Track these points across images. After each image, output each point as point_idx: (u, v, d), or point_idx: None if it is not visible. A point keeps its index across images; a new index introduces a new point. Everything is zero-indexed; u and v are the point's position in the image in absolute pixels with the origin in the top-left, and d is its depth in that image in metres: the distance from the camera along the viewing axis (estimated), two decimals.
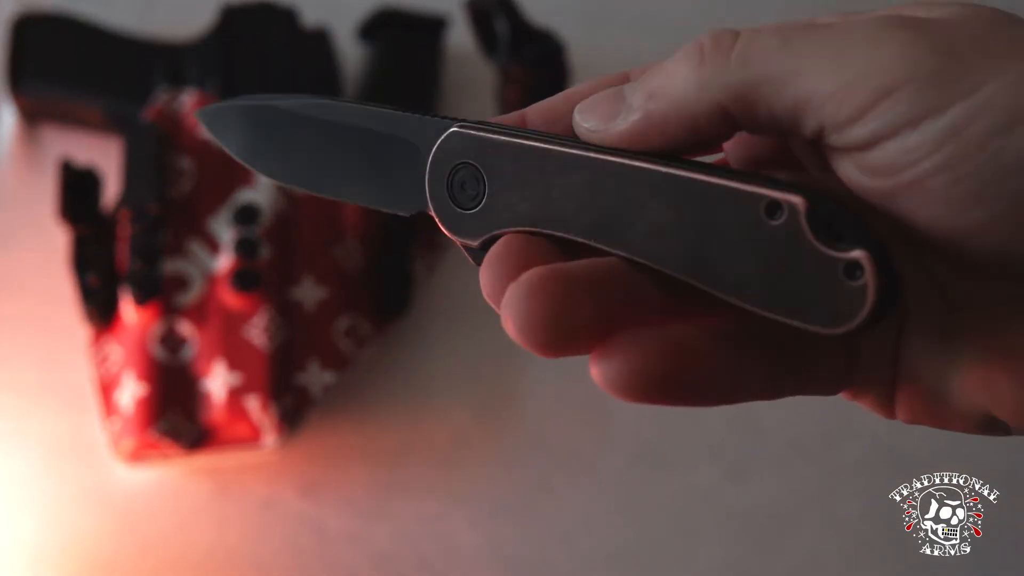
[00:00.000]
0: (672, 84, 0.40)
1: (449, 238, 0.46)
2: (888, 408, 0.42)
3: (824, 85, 0.37)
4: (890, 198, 0.38)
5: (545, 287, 0.38)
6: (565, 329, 0.39)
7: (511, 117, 0.45)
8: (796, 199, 0.37)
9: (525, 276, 0.39)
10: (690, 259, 0.39)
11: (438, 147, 0.45)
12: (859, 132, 0.37)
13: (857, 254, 0.37)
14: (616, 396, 0.38)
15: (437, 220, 0.46)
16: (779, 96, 0.38)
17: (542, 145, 0.42)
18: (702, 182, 0.39)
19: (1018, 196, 0.36)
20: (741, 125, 0.39)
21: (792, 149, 0.44)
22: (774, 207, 0.38)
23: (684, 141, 0.40)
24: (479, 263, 0.43)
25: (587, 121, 0.42)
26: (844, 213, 0.38)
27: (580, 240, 0.42)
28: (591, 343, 0.39)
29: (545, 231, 0.42)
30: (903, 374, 0.41)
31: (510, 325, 0.38)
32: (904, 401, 0.42)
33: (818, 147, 0.40)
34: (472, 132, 0.44)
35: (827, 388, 0.42)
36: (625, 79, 0.44)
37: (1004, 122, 0.35)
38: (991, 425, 0.40)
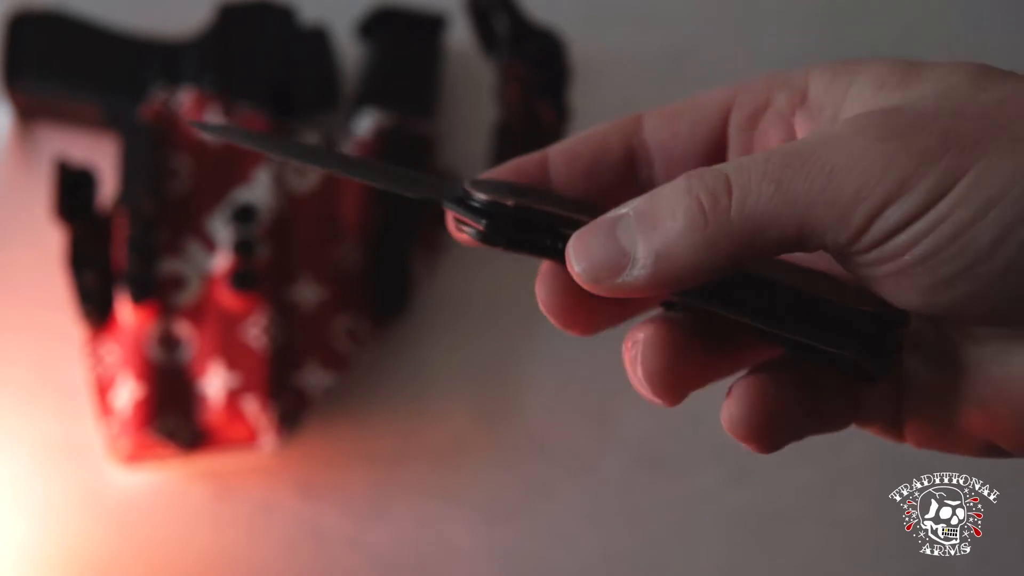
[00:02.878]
0: (679, 247, 0.41)
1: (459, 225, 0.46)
2: (897, 436, 0.45)
3: (822, 219, 0.40)
4: (882, 282, 0.41)
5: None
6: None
7: (534, 159, 0.47)
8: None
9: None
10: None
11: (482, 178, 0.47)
12: (862, 243, 0.40)
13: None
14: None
15: (468, 185, 0.45)
16: (783, 235, 0.40)
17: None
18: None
19: (994, 274, 0.39)
20: (748, 262, 0.42)
21: None
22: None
23: (690, 288, 0.42)
24: (490, 241, 0.44)
25: (580, 264, 0.43)
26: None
27: None
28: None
29: None
30: (908, 408, 0.45)
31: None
32: (911, 430, 0.45)
33: None
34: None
35: (839, 424, 0.47)
36: (544, 162, 0.47)
37: (974, 214, 0.39)
38: (994, 451, 0.43)
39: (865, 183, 0.39)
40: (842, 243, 0.40)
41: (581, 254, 0.42)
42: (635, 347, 0.44)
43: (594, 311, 0.45)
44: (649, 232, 0.41)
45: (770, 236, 0.40)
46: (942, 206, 0.39)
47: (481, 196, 0.44)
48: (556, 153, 0.47)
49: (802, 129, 0.45)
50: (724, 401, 0.44)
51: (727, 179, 0.41)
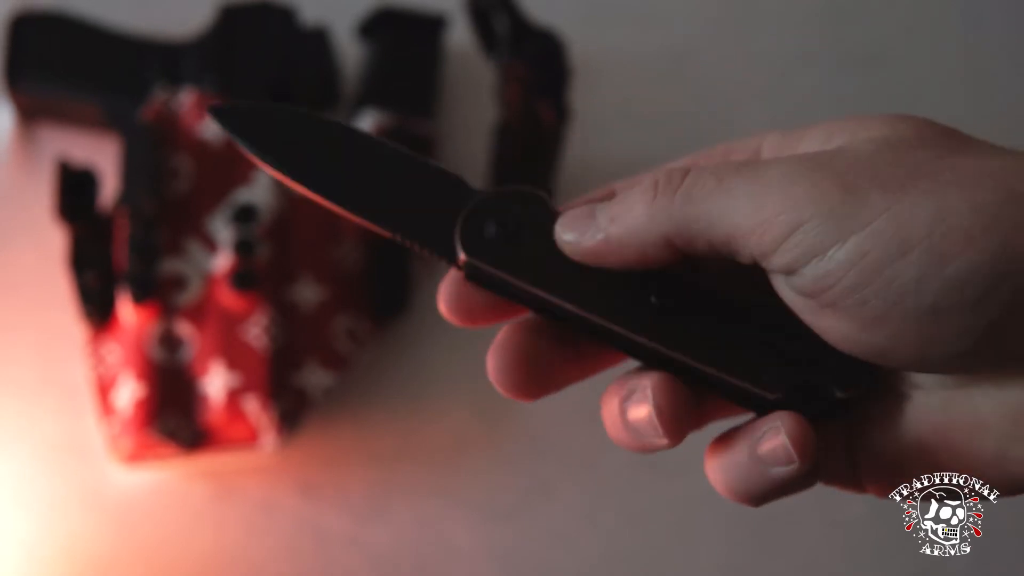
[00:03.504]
0: (629, 213, 0.46)
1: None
2: (857, 487, 0.48)
3: (747, 221, 0.43)
4: (817, 316, 0.43)
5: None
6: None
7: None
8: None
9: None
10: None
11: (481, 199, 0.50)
12: (781, 260, 0.43)
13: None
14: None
15: (462, 243, 0.49)
16: (712, 230, 0.44)
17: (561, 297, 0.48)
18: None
19: (917, 313, 0.41)
20: (685, 253, 0.45)
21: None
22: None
23: (635, 264, 0.46)
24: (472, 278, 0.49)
25: (566, 233, 0.48)
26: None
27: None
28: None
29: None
30: (863, 470, 0.47)
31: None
32: (870, 487, 0.47)
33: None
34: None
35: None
36: (612, 194, 0.50)
37: (896, 249, 0.40)
38: None
39: (786, 201, 0.42)
40: (764, 250, 0.43)
41: (565, 226, 0.48)
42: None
43: (538, 385, 0.49)
44: (613, 205, 0.46)
45: (702, 228, 0.44)
46: (863, 239, 0.41)
47: (463, 255, 0.49)
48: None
49: None
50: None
51: (686, 171, 0.45)
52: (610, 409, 0.48)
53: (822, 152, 0.44)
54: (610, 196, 0.49)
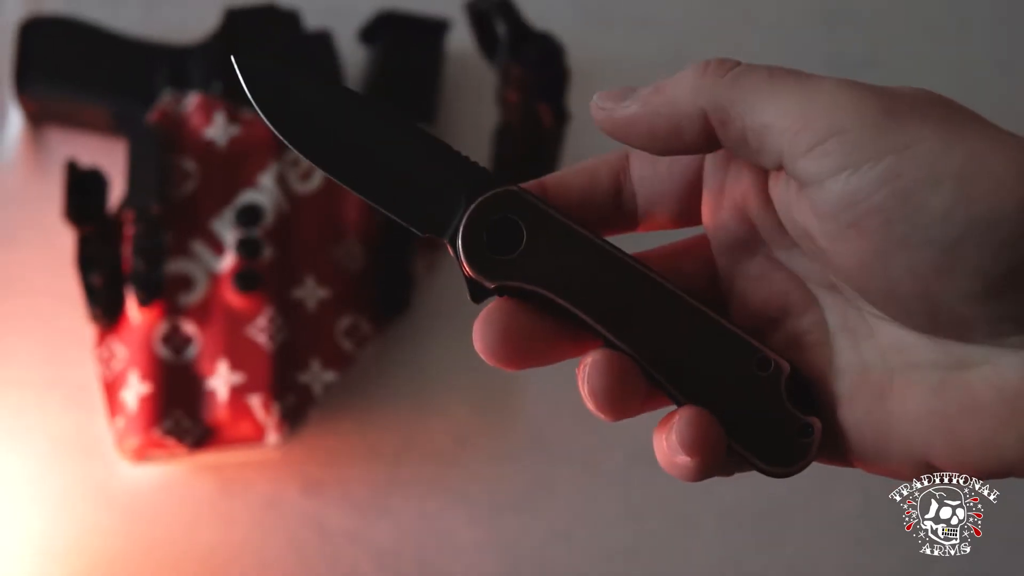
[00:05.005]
0: (674, 85, 0.46)
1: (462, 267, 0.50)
2: (846, 464, 0.48)
3: (788, 116, 0.43)
4: (836, 243, 0.44)
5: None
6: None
7: (531, 186, 0.51)
8: (784, 363, 0.47)
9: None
10: (676, 369, 0.48)
11: (488, 197, 0.49)
12: (810, 165, 0.43)
13: (813, 420, 0.47)
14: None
15: (461, 254, 0.49)
16: (752, 116, 0.44)
17: (583, 232, 0.49)
18: (713, 320, 0.48)
19: (941, 244, 0.41)
20: (717, 136, 0.45)
21: (761, 232, 0.49)
22: (765, 363, 0.47)
23: (667, 139, 0.47)
24: (477, 299, 0.50)
25: (601, 101, 0.48)
26: (810, 385, 0.47)
27: (587, 319, 0.48)
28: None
29: (559, 300, 0.48)
30: (853, 447, 0.47)
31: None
32: (858, 463, 0.47)
33: (782, 191, 0.46)
34: (524, 196, 0.49)
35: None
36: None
37: (928, 177, 0.41)
38: (931, 471, 0.46)
39: (829, 107, 0.42)
40: (797, 151, 0.43)
41: (604, 96, 0.49)
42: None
43: (521, 358, 0.49)
44: (659, 82, 0.47)
45: (742, 111, 0.44)
46: (898, 161, 0.41)
47: (468, 270, 0.49)
48: (552, 183, 0.51)
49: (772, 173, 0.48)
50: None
51: (737, 62, 0.45)
52: (580, 382, 0.49)
53: (867, 83, 0.44)
54: (541, 191, 0.50)
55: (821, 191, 0.43)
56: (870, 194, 0.42)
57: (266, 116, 0.52)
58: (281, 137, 0.51)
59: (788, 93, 0.43)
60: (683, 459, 0.46)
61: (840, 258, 0.44)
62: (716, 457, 0.46)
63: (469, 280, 0.49)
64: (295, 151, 0.52)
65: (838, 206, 0.43)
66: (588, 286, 0.48)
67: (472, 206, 0.49)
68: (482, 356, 0.48)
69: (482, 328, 0.48)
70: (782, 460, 0.47)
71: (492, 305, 0.49)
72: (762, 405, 0.47)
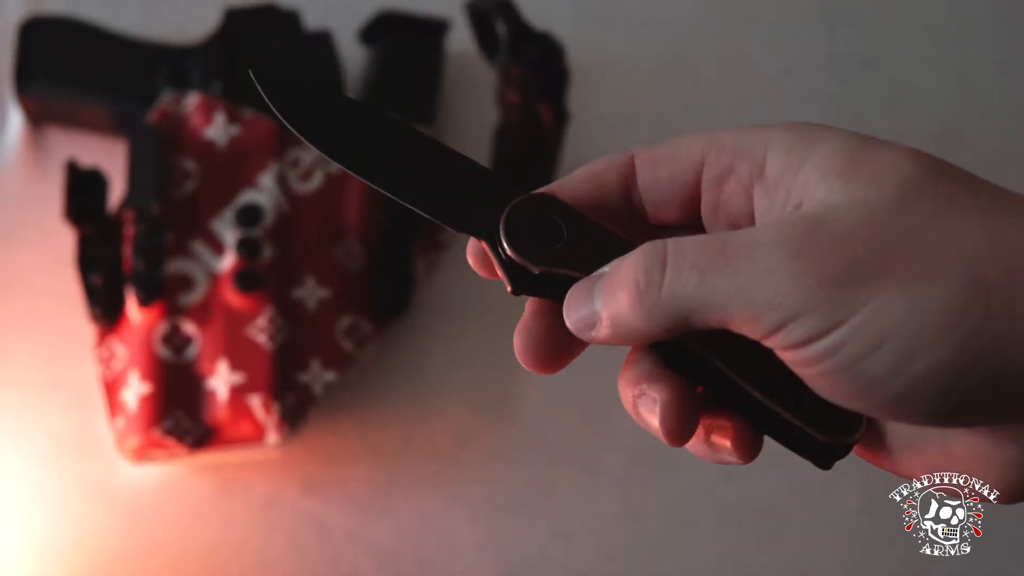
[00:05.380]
0: (623, 316, 0.47)
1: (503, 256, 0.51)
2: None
3: (737, 316, 0.44)
4: (809, 379, 0.45)
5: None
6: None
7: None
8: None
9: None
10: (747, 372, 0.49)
11: (527, 196, 0.51)
12: (770, 344, 0.45)
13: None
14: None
15: (504, 240, 0.51)
16: (707, 320, 0.45)
17: (620, 235, 0.50)
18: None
19: (888, 400, 0.43)
20: (690, 331, 0.47)
21: None
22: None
23: (653, 341, 0.48)
24: (518, 290, 0.52)
25: (568, 318, 0.50)
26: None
27: None
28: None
29: None
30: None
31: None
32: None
33: None
34: (560, 200, 0.51)
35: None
36: (630, 161, 0.51)
37: (872, 343, 0.42)
38: None
39: (772, 297, 0.43)
40: (759, 338, 0.44)
41: (570, 309, 0.49)
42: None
43: (557, 361, 0.52)
44: (608, 299, 0.48)
45: (696, 318, 0.45)
46: (838, 335, 0.43)
47: (510, 253, 0.50)
48: (562, 192, 0.52)
49: (759, 203, 0.48)
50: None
51: (664, 261, 0.46)
52: (625, 396, 0.50)
53: (805, 230, 0.44)
54: (628, 163, 0.51)
55: (786, 353, 0.45)
56: (821, 362, 0.44)
57: (299, 131, 0.52)
58: (322, 151, 0.52)
59: (725, 292, 0.44)
60: (733, 461, 0.49)
61: (819, 391, 0.46)
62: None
63: (511, 269, 0.51)
64: (337, 164, 0.52)
65: (801, 364, 0.45)
66: None
67: (514, 202, 0.50)
68: (523, 363, 0.52)
69: (522, 336, 0.52)
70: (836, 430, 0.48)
71: (528, 312, 0.52)
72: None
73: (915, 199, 0.44)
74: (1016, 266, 0.42)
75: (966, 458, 0.46)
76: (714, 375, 0.48)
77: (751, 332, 0.44)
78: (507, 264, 0.51)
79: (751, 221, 0.49)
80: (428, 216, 0.52)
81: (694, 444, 0.50)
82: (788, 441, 0.49)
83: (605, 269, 0.48)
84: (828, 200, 0.45)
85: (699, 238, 0.46)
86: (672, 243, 0.46)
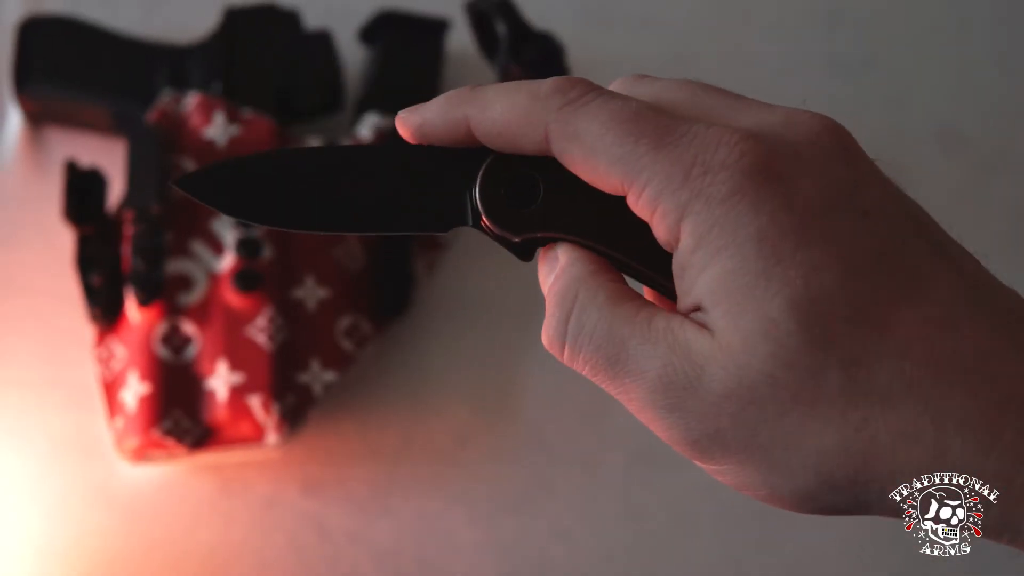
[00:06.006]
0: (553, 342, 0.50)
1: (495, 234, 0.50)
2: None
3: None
4: None
5: None
6: None
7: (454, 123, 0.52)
8: None
9: None
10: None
11: (493, 159, 0.50)
12: None
13: None
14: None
15: (482, 212, 0.50)
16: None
17: None
18: None
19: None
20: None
21: None
22: None
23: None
24: (524, 255, 0.51)
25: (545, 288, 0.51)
26: None
27: (621, 258, 0.49)
28: None
29: (592, 245, 0.49)
30: None
31: None
32: None
33: None
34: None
35: None
36: None
37: (735, 485, 0.50)
38: None
39: (652, 424, 0.47)
40: None
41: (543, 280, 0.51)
42: None
43: None
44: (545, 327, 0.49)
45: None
46: (708, 469, 0.48)
47: (491, 227, 0.50)
48: (479, 127, 0.50)
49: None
50: None
51: (567, 319, 0.49)
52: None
53: (679, 380, 0.46)
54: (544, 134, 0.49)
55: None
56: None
57: (248, 217, 0.51)
58: (277, 226, 0.51)
59: (618, 381, 0.48)
60: None
61: None
62: None
63: (508, 242, 0.50)
64: (302, 230, 0.51)
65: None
66: (613, 227, 0.49)
67: (483, 168, 0.50)
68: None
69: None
70: None
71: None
72: None
73: (785, 375, 0.44)
74: (863, 466, 0.44)
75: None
76: None
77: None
78: (499, 238, 0.50)
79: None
80: (412, 233, 0.51)
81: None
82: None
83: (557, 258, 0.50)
84: (708, 342, 0.45)
85: (603, 330, 0.47)
86: (575, 315, 0.48)
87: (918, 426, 0.43)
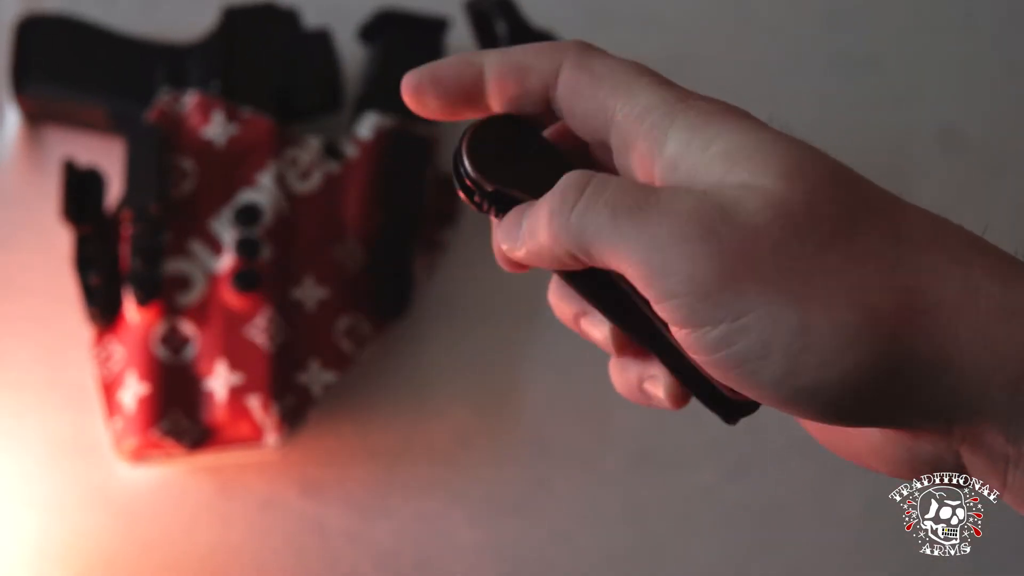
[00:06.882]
0: (537, 230, 0.48)
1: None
2: None
3: (632, 268, 0.45)
4: (703, 365, 0.46)
5: None
6: None
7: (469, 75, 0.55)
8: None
9: None
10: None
11: (483, 121, 0.54)
12: (661, 312, 0.45)
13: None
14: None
15: (467, 157, 0.53)
16: (605, 259, 0.46)
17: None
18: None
19: (775, 398, 0.45)
20: (593, 264, 0.48)
21: None
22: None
23: (563, 268, 0.49)
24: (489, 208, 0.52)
25: (502, 242, 0.51)
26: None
27: None
28: None
29: None
30: None
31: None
32: None
33: None
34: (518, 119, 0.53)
35: None
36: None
37: (759, 349, 0.43)
38: None
39: (669, 266, 0.44)
40: (650, 299, 0.45)
41: (502, 228, 0.51)
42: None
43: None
44: (531, 217, 0.49)
45: (596, 253, 0.46)
46: (732, 331, 0.43)
47: (470, 170, 0.52)
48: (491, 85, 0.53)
49: (661, 179, 0.48)
50: None
51: (582, 189, 0.47)
52: (563, 311, 0.53)
53: (713, 212, 0.44)
54: (553, 76, 0.51)
55: (674, 327, 0.46)
56: (710, 353, 0.44)
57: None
58: None
59: (629, 241, 0.45)
60: (664, 406, 0.51)
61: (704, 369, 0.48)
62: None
63: (468, 190, 0.52)
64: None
65: (688, 347, 0.46)
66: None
67: (475, 122, 0.54)
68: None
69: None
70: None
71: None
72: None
73: (820, 211, 0.44)
74: (905, 301, 0.43)
75: (863, 449, 0.48)
76: (636, 315, 0.50)
77: (642, 289, 0.45)
78: (465, 187, 0.52)
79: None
80: None
81: (626, 388, 0.52)
82: (699, 392, 0.51)
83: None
84: (737, 188, 0.45)
85: (625, 182, 0.47)
86: (598, 177, 0.47)
87: (948, 270, 0.44)
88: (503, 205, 0.51)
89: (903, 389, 0.43)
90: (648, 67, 0.50)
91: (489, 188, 0.51)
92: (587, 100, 0.49)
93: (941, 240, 0.44)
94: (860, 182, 0.45)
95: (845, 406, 0.44)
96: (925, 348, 0.43)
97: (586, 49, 0.50)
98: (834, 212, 0.44)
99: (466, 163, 0.52)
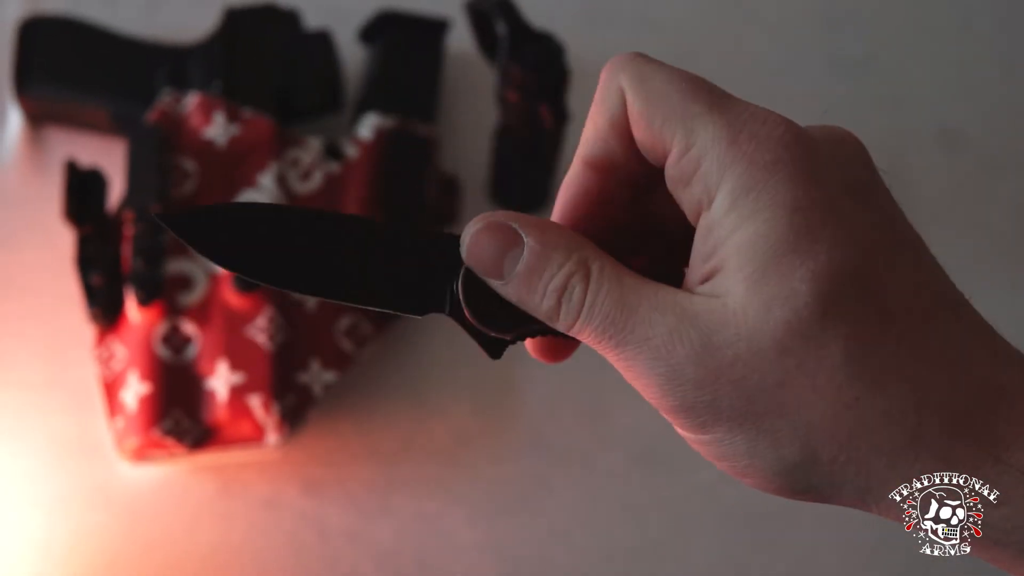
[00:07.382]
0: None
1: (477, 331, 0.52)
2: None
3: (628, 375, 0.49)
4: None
5: None
6: None
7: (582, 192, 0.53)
8: None
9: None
10: None
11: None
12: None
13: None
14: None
15: (470, 312, 0.51)
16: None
17: None
18: None
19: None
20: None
21: None
22: None
23: None
24: (496, 355, 0.54)
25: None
26: None
27: None
28: None
29: None
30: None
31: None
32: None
33: None
34: None
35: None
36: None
37: (716, 456, 0.49)
38: None
39: (648, 393, 0.48)
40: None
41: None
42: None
43: (560, 355, 0.56)
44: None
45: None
46: (699, 437, 0.48)
47: (481, 327, 0.52)
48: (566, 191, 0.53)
49: (698, 231, 0.49)
50: None
51: (587, 276, 0.49)
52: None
53: (683, 344, 0.46)
54: (622, 107, 0.50)
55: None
56: (689, 435, 0.49)
57: (226, 265, 0.51)
58: (259, 281, 0.52)
59: (615, 363, 0.49)
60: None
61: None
62: None
63: (484, 339, 0.53)
64: (281, 288, 0.53)
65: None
66: None
67: (464, 269, 0.51)
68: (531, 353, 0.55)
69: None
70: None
71: None
72: None
73: (794, 344, 0.45)
74: (846, 442, 0.46)
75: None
76: None
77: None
78: (480, 334, 0.52)
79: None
80: (386, 311, 0.52)
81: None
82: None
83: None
84: (723, 302, 0.46)
85: (615, 298, 0.48)
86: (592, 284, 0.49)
87: (902, 408, 0.45)
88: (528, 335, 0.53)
89: (832, 492, 0.49)
90: (701, 78, 0.50)
91: (508, 338, 0.53)
92: (644, 128, 0.50)
93: (908, 373, 0.46)
94: (847, 308, 0.46)
95: (786, 494, 0.51)
96: (849, 480, 0.48)
97: (641, 58, 0.51)
98: (805, 345, 0.45)
99: (479, 327, 0.52)
